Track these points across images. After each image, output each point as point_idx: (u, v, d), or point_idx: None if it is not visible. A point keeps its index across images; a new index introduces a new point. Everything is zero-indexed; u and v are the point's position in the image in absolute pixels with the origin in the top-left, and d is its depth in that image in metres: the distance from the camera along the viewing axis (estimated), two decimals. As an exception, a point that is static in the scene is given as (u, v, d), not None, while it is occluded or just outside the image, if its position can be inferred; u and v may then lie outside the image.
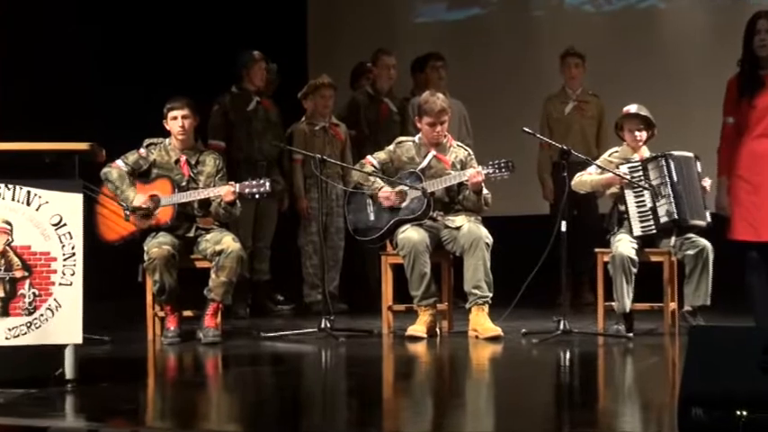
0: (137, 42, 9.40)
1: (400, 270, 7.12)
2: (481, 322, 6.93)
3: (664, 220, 6.93)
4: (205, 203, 7.04)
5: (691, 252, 6.90)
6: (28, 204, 5.24)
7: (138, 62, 9.33)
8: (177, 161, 7.09)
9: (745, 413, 3.84)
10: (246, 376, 6.00)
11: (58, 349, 5.23)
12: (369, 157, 7.35)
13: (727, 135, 6.37)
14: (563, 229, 6.75)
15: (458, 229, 7.03)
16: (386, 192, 7.13)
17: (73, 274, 5.24)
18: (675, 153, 7.04)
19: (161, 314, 7.06)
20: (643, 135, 7.12)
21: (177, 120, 7.06)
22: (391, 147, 7.33)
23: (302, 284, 8.59)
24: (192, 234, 7.05)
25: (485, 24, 10.37)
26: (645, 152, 7.15)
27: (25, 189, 5.25)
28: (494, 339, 6.83)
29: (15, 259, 5.23)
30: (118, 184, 6.97)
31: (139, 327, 7.18)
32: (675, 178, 6.95)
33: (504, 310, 7.08)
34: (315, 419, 4.84)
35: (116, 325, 7.37)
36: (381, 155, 7.30)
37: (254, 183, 6.95)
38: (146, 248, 6.90)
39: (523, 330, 6.96)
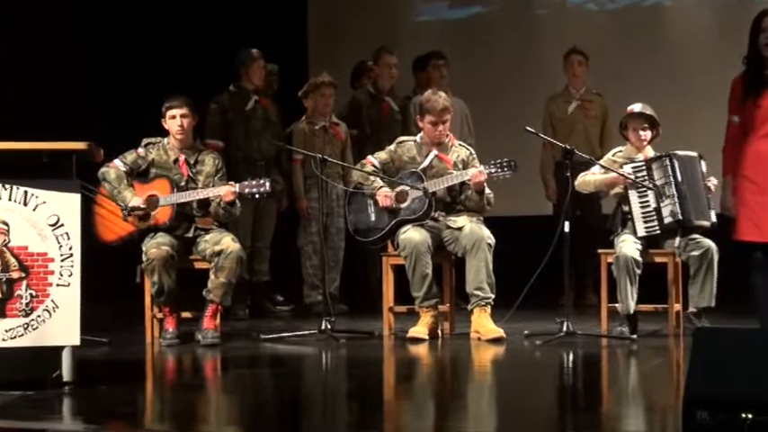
0: (137, 42, 9.43)
1: (401, 271, 7.11)
2: (483, 324, 6.93)
3: (668, 220, 6.93)
4: (204, 203, 7.04)
5: (695, 253, 6.90)
6: (25, 204, 5.24)
7: (138, 62, 9.35)
8: (176, 161, 7.09)
9: (750, 416, 3.84)
10: (246, 378, 6.00)
11: (56, 351, 5.23)
12: (369, 156, 7.35)
13: (733, 134, 6.37)
14: (566, 229, 6.74)
15: (460, 229, 7.03)
16: (384, 192, 7.12)
17: (70, 275, 5.24)
18: (680, 153, 7.04)
19: (159, 315, 7.05)
20: (648, 134, 7.12)
21: (176, 119, 7.06)
22: (392, 146, 7.33)
23: (302, 285, 8.59)
24: (190, 234, 7.04)
25: (487, 23, 10.37)
26: (649, 152, 7.15)
27: (22, 189, 5.24)
28: (496, 341, 6.82)
29: (12, 260, 5.22)
30: (115, 185, 6.97)
31: (138, 328, 7.18)
32: (680, 178, 6.95)
33: (506, 311, 7.08)
34: (315, 422, 4.84)
35: (114, 326, 7.37)
36: (382, 155, 7.30)
37: (253, 183, 6.94)
38: (144, 249, 6.90)
39: (526, 332, 6.96)
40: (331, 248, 8.40)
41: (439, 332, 7.10)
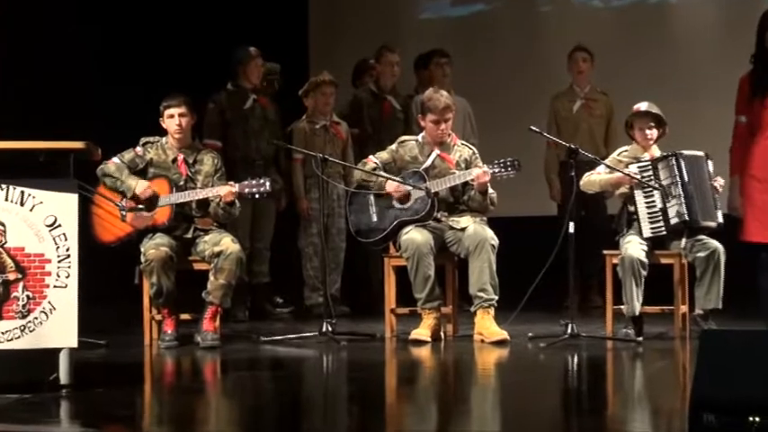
0: (137, 42, 9.46)
1: (403, 272, 7.12)
2: (487, 326, 6.93)
3: (674, 221, 6.93)
4: (203, 204, 7.04)
5: (702, 254, 6.89)
6: (22, 205, 5.24)
7: (138, 62, 9.39)
8: (174, 160, 7.10)
9: (758, 419, 3.84)
10: (246, 381, 6.01)
11: (53, 353, 5.23)
12: (370, 156, 7.35)
13: (740, 134, 6.38)
14: (571, 230, 6.75)
15: (463, 230, 7.03)
16: (393, 184, 7.12)
17: (68, 277, 5.24)
18: (686, 152, 7.03)
19: (158, 317, 7.06)
20: (654, 133, 7.12)
21: (174, 118, 7.07)
22: (394, 146, 7.33)
23: (302, 287, 8.60)
24: (189, 235, 7.05)
25: (490, 20, 10.38)
26: (655, 151, 7.15)
27: (19, 189, 5.25)
28: (500, 343, 6.83)
29: (9, 261, 5.23)
30: (117, 176, 6.97)
31: (136, 330, 7.19)
32: (686, 178, 6.95)
33: (510, 313, 7.07)
34: (316, 426, 4.84)
35: (112, 328, 7.37)
36: (384, 154, 7.30)
37: (253, 182, 6.95)
38: (142, 250, 6.90)
39: (530, 334, 6.96)
40: (332, 249, 8.40)
41: (441, 334, 7.10)
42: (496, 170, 6.98)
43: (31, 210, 5.24)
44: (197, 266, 7.07)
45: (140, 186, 6.92)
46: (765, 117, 6.29)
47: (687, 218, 6.91)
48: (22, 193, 5.24)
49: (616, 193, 7.22)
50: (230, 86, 8.52)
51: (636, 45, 9.81)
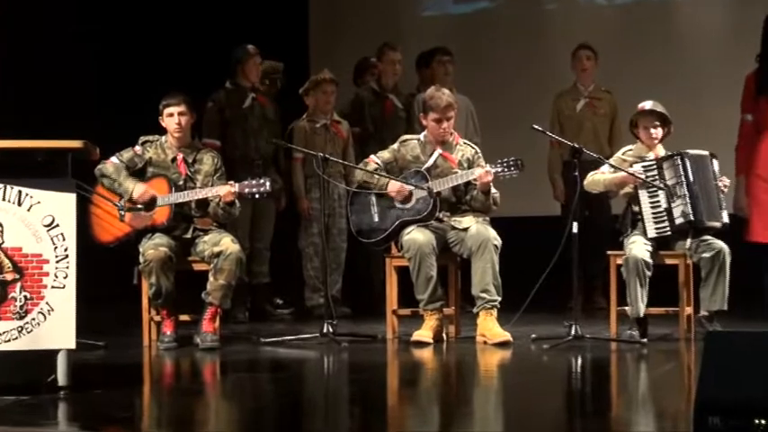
0: (137, 42, 9.47)
1: (405, 273, 7.12)
2: (489, 327, 6.93)
3: (679, 221, 6.93)
4: (203, 203, 7.04)
5: (707, 254, 6.89)
6: (19, 204, 5.25)
7: (139, 63, 9.40)
8: (174, 159, 7.10)
9: (763, 422, 3.84)
10: (245, 383, 6.01)
11: (51, 355, 5.23)
12: (372, 156, 7.35)
13: (746, 133, 6.39)
14: (574, 230, 6.74)
15: (465, 230, 7.03)
16: (395, 185, 7.12)
17: (66, 277, 5.24)
18: (691, 151, 7.03)
19: (157, 318, 7.06)
20: (659, 132, 7.12)
21: (173, 116, 7.07)
22: (395, 145, 7.33)
23: (303, 288, 8.60)
24: (189, 235, 7.05)
25: (493, 18, 10.38)
26: (660, 150, 7.15)
27: (16, 189, 5.25)
28: (502, 345, 6.82)
29: (6, 261, 5.23)
30: (115, 177, 6.97)
31: (135, 331, 7.19)
32: (692, 178, 6.94)
33: (513, 314, 7.08)
34: (316, 428, 4.84)
35: (110, 329, 7.38)
36: (385, 154, 7.30)
37: (253, 182, 6.95)
38: (141, 250, 6.90)
39: (533, 335, 6.96)
40: (333, 250, 8.41)
41: (444, 336, 7.10)
42: (499, 170, 6.98)
43: (28, 209, 5.24)
44: (196, 267, 7.07)
45: (137, 191, 6.91)
46: (771, 116, 6.29)
47: (692, 218, 6.91)
48: (20, 192, 5.25)
49: (620, 193, 7.22)
50: (229, 85, 8.52)
51: (640, 43, 9.81)
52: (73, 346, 5.24)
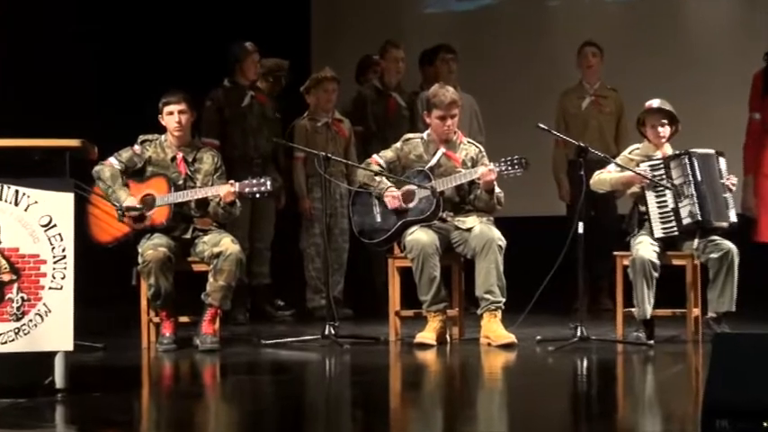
0: (138, 43, 9.49)
1: (408, 274, 7.11)
2: (494, 329, 6.93)
3: (686, 221, 6.93)
4: (203, 203, 7.04)
5: (715, 255, 6.88)
6: (16, 204, 5.25)
7: (139, 63, 9.41)
8: (173, 158, 7.09)
9: (772, 425, 3.84)
10: (246, 385, 6.01)
11: (48, 357, 5.23)
12: (375, 156, 7.35)
13: (754, 132, 6.39)
14: (580, 230, 6.74)
15: (469, 230, 7.03)
16: (392, 192, 7.12)
17: (63, 278, 5.24)
18: (699, 151, 7.02)
19: (156, 320, 7.06)
20: (666, 131, 7.11)
21: (173, 115, 7.06)
22: (398, 144, 7.33)
23: (304, 289, 8.59)
24: (188, 235, 7.05)
25: (497, 15, 10.38)
26: (667, 149, 7.14)
27: (13, 188, 5.25)
28: (507, 347, 6.82)
29: (3, 262, 5.23)
30: (110, 184, 6.97)
31: (133, 333, 7.19)
32: (699, 177, 6.94)
33: (517, 316, 7.07)
34: (318, 431, 4.84)
35: (109, 331, 7.38)
36: (388, 153, 7.30)
37: (254, 182, 6.94)
38: (140, 250, 6.90)
39: (538, 337, 6.96)
40: (334, 250, 8.40)
41: (447, 338, 7.10)
42: (503, 168, 6.98)
43: (25, 209, 5.24)
44: (196, 267, 7.06)
45: (128, 203, 6.89)
46: (779, 115, 6.28)
47: (700, 218, 6.90)
48: (17, 192, 5.24)
49: (627, 193, 7.22)
50: (227, 83, 8.51)
51: (646, 40, 9.80)
52: (71, 347, 5.24)
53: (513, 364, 6.54)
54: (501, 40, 10.18)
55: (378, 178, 7.18)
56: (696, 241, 6.96)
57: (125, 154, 7.06)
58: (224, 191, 6.91)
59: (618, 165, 7.11)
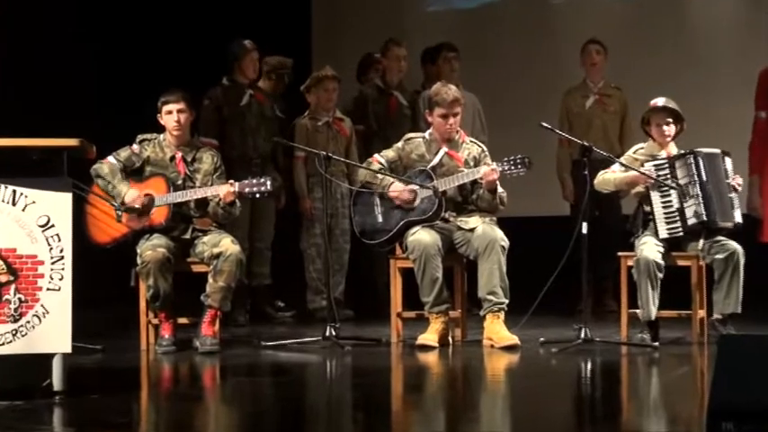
0: (137, 43, 9.51)
1: (410, 274, 7.11)
2: (496, 330, 6.92)
3: (692, 221, 6.92)
4: (202, 203, 7.04)
5: (720, 256, 6.88)
6: (13, 204, 5.25)
7: (139, 64, 9.43)
8: (172, 158, 7.09)
9: (778, 427, 3.84)
10: (246, 387, 6.01)
11: (46, 358, 5.23)
12: (376, 155, 7.35)
13: (760, 131, 6.38)
14: (584, 231, 6.74)
15: (471, 230, 7.03)
16: (397, 188, 7.12)
17: (61, 279, 5.24)
18: (704, 150, 7.02)
19: (155, 321, 7.06)
20: (671, 130, 7.11)
21: (172, 114, 7.06)
22: (400, 144, 7.33)
23: (305, 290, 8.59)
24: (188, 236, 7.05)
25: (499, 13, 10.39)
26: (672, 149, 7.14)
27: (11, 188, 5.25)
28: (510, 349, 6.82)
29: (0, 263, 5.23)
30: (109, 179, 6.97)
31: (132, 335, 7.19)
32: (705, 177, 6.93)
33: (520, 317, 7.07)
34: (319, 433, 4.85)
35: (107, 333, 7.39)
36: (389, 153, 7.29)
37: (254, 182, 6.94)
38: (139, 251, 6.90)
39: (542, 339, 6.95)
40: (335, 251, 8.40)
41: (449, 339, 7.10)
42: (506, 167, 6.97)
43: (23, 209, 5.24)
44: (195, 268, 7.07)
45: (130, 195, 6.89)
46: (786, 113, 6.28)
47: (705, 218, 6.90)
48: (14, 192, 5.25)
49: (631, 193, 7.22)
50: (225, 82, 8.50)
51: (650, 38, 9.81)
52: (69, 349, 5.24)
53: (516, 365, 6.54)
54: (504, 38, 10.19)
55: (380, 176, 7.18)
56: (701, 242, 6.96)
57: (123, 153, 7.06)
58: (224, 191, 6.91)
59: (622, 164, 7.11)
